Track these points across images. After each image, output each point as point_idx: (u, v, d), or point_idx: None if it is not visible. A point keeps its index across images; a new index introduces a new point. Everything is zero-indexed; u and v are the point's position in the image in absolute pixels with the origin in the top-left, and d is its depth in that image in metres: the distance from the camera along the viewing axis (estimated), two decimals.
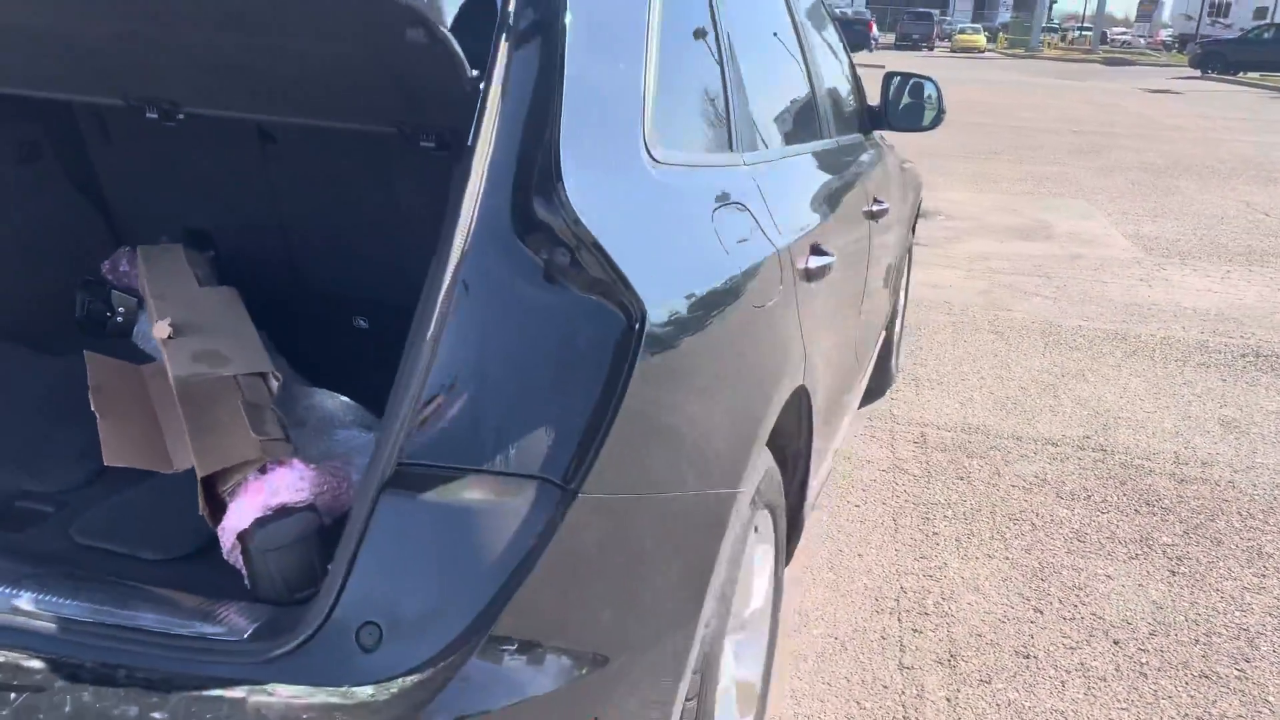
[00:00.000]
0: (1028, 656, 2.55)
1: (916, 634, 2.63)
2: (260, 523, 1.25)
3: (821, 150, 2.47)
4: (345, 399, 1.84)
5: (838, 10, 35.43)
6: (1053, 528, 3.22)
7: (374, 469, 1.16)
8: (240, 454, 1.38)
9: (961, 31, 46.92)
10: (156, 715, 1.09)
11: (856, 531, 3.13)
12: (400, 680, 1.11)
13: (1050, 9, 59.62)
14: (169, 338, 1.60)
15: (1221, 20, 50.18)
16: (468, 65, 1.30)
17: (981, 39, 46.29)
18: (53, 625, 1.16)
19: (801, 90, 2.48)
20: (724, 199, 1.61)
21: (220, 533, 1.32)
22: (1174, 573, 2.99)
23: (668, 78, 1.61)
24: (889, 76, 3.27)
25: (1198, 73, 31.95)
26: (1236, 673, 2.52)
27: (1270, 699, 2.43)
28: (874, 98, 3.41)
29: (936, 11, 51.37)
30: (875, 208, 2.78)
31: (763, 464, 1.76)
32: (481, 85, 1.26)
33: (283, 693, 1.12)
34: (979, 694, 2.40)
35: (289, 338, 2.08)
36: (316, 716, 1.09)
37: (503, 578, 1.14)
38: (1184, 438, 4.01)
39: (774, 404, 1.62)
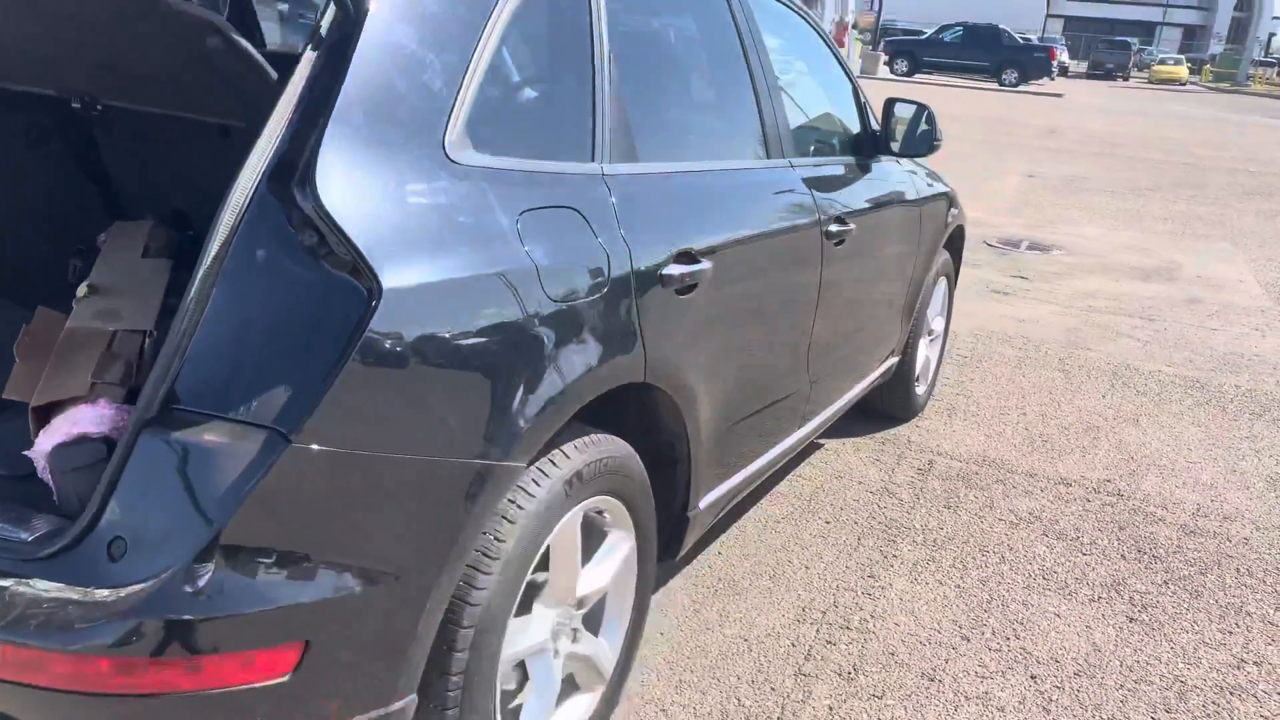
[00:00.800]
0: (933, 680, 2.57)
1: (829, 645, 2.68)
2: (60, 448, 1.50)
3: (758, 168, 2.57)
4: None
5: (1021, 36, 34.24)
6: (1022, 563, 3.18)
7: (139, 410, 1.38)
8: (69, 390, 1.64)
9: (1161, 62, 44.52)
10: None
11: (813, 546, 3.19)
12: (132, 587, 1.33)
13: (1269, 42, 55.74)
14: (84, 296, 1.88)
15: None
16: (269, 70, 1.52)
17: (1183, 70, 43.77)
18: None
19: (736, 109, 2.59)
20: (545, 203, 1.77)
21: (33, 454, 1.58)
22: (1132, 619, 2.92)
23: (506, 86, 1.79)
24: (890, 103, 3.31)
25: None
26: None
27: None
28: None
29: (1135, 40, 48.87)
30: (836, 229, 2.84)
31: (596, 451, 1.90)
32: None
33: (38, 586, 1.36)
34: (863, 707, 2.44)
35: None
36: (54, 608, 1.32)
37: (229, 509, 1.34)
38: (1217, 490, 3.85)
39: (578, 395, 1.76)
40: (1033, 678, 2.61)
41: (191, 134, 2.34)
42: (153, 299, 1.96)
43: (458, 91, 1.66)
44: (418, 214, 1.54)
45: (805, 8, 3.17)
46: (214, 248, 1.40)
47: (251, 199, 1.42)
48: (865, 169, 3.28)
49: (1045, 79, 32.69)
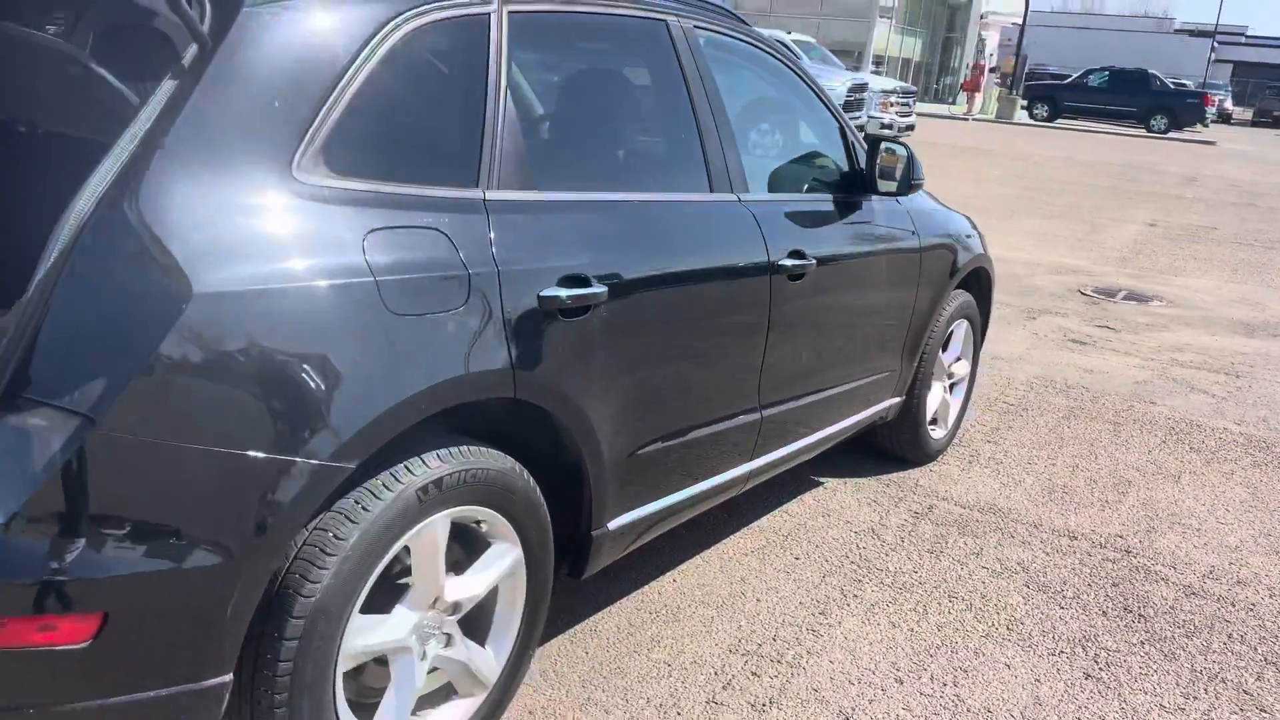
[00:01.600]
0: (847, 718, 2.53)
1: (752, 677, 2.68)
2: None
3: (691, 201, 2.63)
4: None
5: (1173, 81, 32.79)
6: (989, 612, 3.10)
7: None
8: None
9: None
10: None
11: (773, 580, 3.18)
12: None
13: None
14: None
15: None
16: (128, 94, 1.69)
17: None
18: None
19: (670, 144, 2.66)
20: (398, 224, 1.89)
21: None
22: (1088, 675, 2.80)
23: (374, 117, 1.92)
24: (872, 141, 3.32)
25: None
26: None
27: None
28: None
29: None
30: (793, 264, 2.87)
31: (460, 463, 2.00)
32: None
33: None
34: None
35: None
36: None
37: (36, 483, 1.49)
38: (1240, 553, 3.64)
39: (419, 405, 1.86)
40: None
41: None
42: None
43: (314, 119, 1.80)
44: (247, 227, 1.68)
45: (785, 49, 3.22)
46: (55, 251, 1.57)
47: (94, 207, 1.58)
48: (848, 206, 3.29)
49: (1199, 125, 31.20)
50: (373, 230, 1.85)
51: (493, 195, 2.09)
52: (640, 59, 2.71)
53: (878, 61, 33.11)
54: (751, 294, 2.74)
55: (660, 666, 2.69)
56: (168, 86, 1.69)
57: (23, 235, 1.60)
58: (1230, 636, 3.08)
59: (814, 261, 2.96)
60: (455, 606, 2.13)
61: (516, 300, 2.06)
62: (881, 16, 33.14)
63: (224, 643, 1.69)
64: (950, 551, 3.47)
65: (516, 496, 2.17)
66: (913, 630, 2.96)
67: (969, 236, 4.06)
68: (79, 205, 1.59)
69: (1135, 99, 30.73)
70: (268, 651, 1.78)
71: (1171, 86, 31.69)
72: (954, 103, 35.63)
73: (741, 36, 3.06)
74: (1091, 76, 32.09)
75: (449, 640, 2.14)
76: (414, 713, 2.16)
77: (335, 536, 1.82)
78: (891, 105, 15.84)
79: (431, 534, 2.00)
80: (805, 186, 3.27)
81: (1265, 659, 2.97)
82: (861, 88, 14.09)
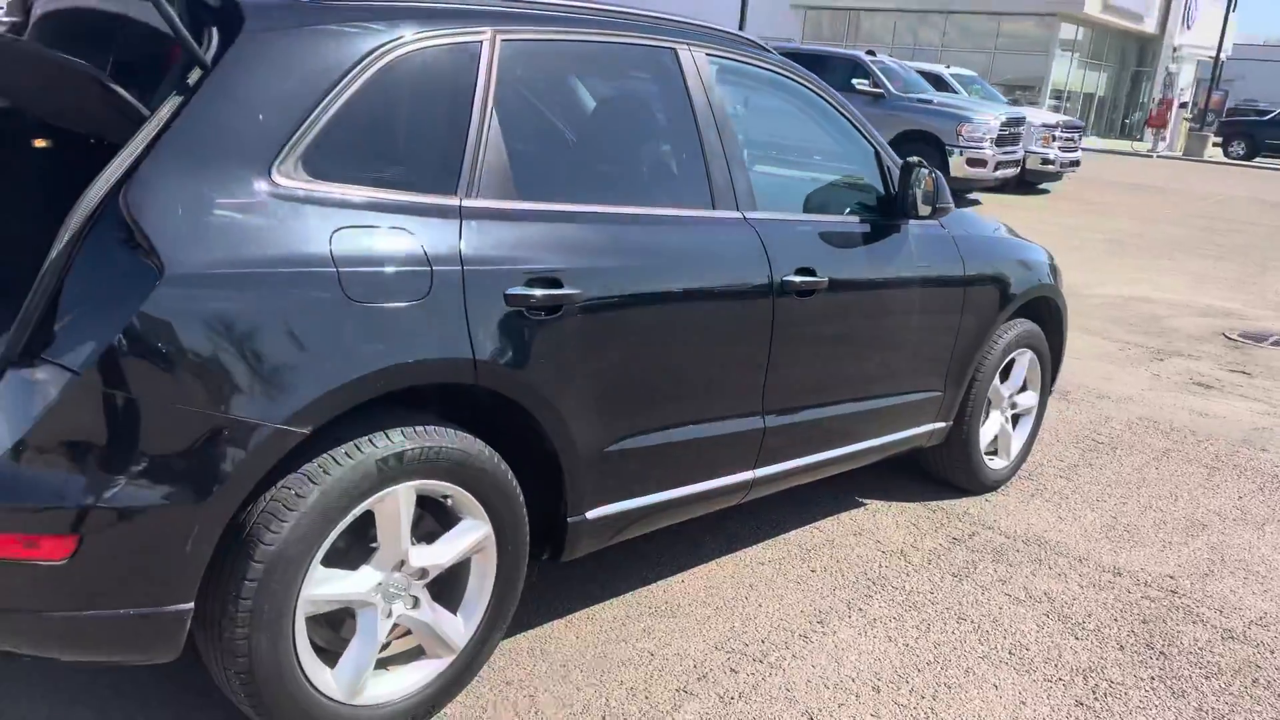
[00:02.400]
0: (811, 719, 2.61)
1: (730, 672, 2.78)
2: None
3: (686, 216, 2.79)
4: None
5: None
6: (995, 636, 3.08)
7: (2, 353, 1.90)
8: None
9: None
10: None
11: (781, 588, 3.26)
12: None
13: None
14: None
15: None
16: (140, 108, 2.02)
17: None
18: None
19: (668, 162, 2.84)
20: (367, 223, 2.15)
21: None
22: (1080, 703, 2.77)
23: (357, 129, 2.19)
24: (905, 166, 3.38)
25: None
26: None
27: None
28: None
29: None
30: (801, 280, 2.98)
31: (424, 440, 2.23)
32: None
33: None
34: None
35: None
36: None
37: (27, 422, 1.83)
38: None
39: (373, 382, 2.10)
40: None
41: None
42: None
43: (295, 131, 2.09)
44: (223, 221, 1.98)
45: (810, 77, 3.34)
46: (66, 235, 1.90)
47: (101, 201, 1.92)
48: (879, 228, 3.36)
49: None
50: (341, 228, 2.11)
51: (470, 203, 2.32)
52: (642, 82, 2.90)
53: (1057, 96, 31.95)
54: (747, 306, 2.86)
55: (643, 655, 2.83)
56: (172, 101, 2.01)
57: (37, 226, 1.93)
58: (1255, 681, 2.96)
59: (826, 280, 3.06)
60: (423, 572, 2.36)
61: (481, 296, 2.28)
62: (1063, 50, 31.98)
63: (184, 573, 1.97)
64: (976, 577, 3.46)
65: (485, 477, 2.38)
66: (908, 645, 2.99)
67: (1031, 265, 4.03)
68: (89, 197, 1.92)
69: None
70: (232, 590, 2.05)
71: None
72: (1140, 139, 33.90)
73: (766, 65, 3.20)
74: None
75: (416, 602, 2.37)
76: (386, 669, 2.40)
77: (297, 494, 2.08)
78: (1054, 140, 15.33)
79: (394, 501, 2.24)
80: (833, 208, 3.36)
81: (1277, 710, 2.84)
82: (1016, 121, 13.72)
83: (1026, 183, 16.14)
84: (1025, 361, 4.19)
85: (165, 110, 2.00)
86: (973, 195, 14.87)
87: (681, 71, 2.87)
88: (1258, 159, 28.87)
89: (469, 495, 2.37)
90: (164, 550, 1.94)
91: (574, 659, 2.79)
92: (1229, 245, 12.53)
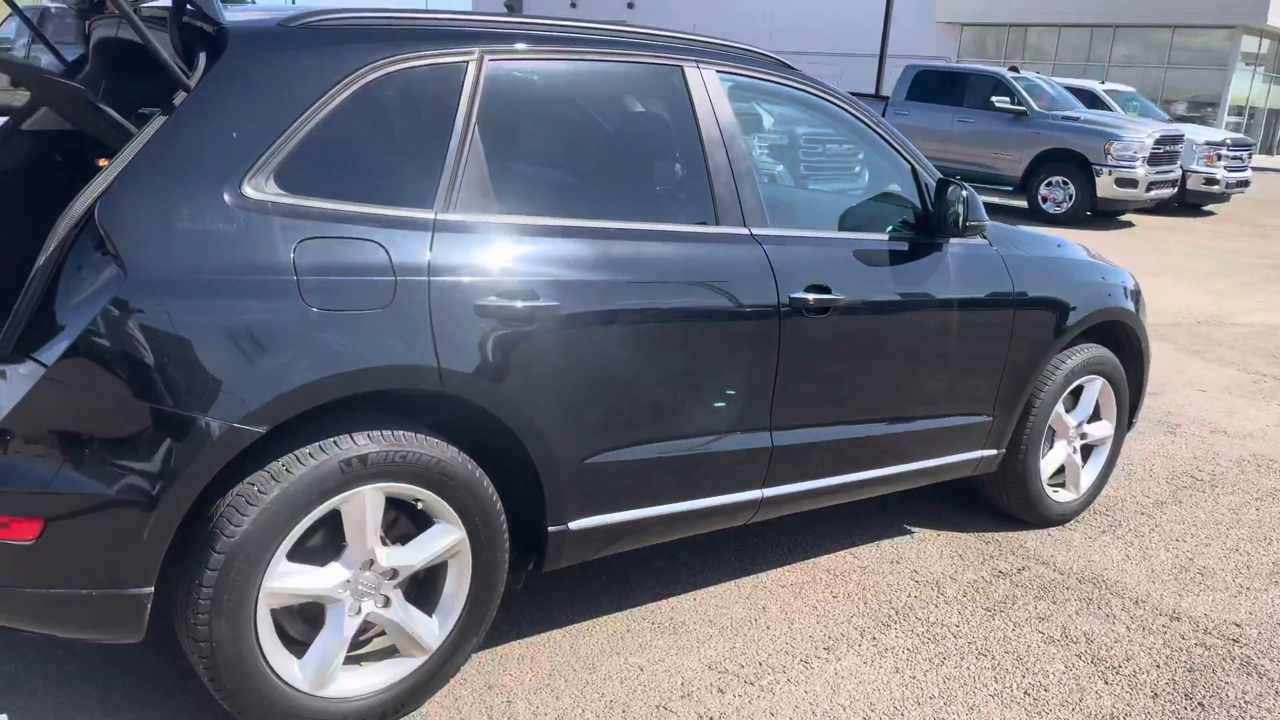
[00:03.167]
0: None
1: (716, 692, 2.75)
2: None
3: (682, 231, 2.79)
4: None
5: None
6: (1014, 674, 2.93)
7: None
8: None
9: None
10: None
11: (795, 612, 3.19)
12: None
13: None
14: None
15: None
16: (128, 125, 2.19)
17: None
18: None
19: (668, 178, 2.84)
20: (334, 234, 2.25)
21: None
22: None
23: (330, 146, 2.30)
24: (940, 183, 3.28)
25: None
26: None
27: None
28: None
29: None
30: (814, 297, 2.94)
31: (389, 445, 2.31)
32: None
33: None
34: None
35: None
36: None
37: (3, 413, 2.01)
38: None
39: (330, 386, 2.19)
40: None
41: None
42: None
43: (268, 147, 2.22)
44: (188, 230, 2.12)
45: (841, 95, 3.29)
46: (54, 243, 2.09)
47: (85, 211, 2.09)
48: (914, 246, 3.27)
49: None
50: (306, 238, 2.22)
51: (445, 216, 2.40)
52: (643, 101, 2.92)
53: (1237, 112, 29.90)
54: (746, 321, 2.83)
55: (633, 670, 2.83)
56: (157, 120, 2.17)
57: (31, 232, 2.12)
58: None
59: (841, 297, 2.99)
60: (393, 572, 2.44)
61: (449, 306, 2.35)
62: (1245, 64, 29.94)
63: (143, 559, 2.11)
64: (1012, 613, 3.30)
65: (458, 483, 2.44)
66: (914, 678, 2.88)
67: (1098, 287, 3.82)
68: (74, 208, 2.09)
69: None
70: (194, 578, 2.17)
71: None
72: None
73: (790, 83, 3.17)
74: None
75: (386, 602, 2.45)
76: (360, 664, 2.49)
77: (259, 491, 2.19)
78: (1219, 159, 14.38)
79: (360, 502, 2.33)
80: (865, 226, 3.29)
81: None
82: (1174, 139, 12.94)
83: (1189, 204, 15.21)
84: (1096, 389, 3.97)
85: (151, 128, 2.16)
86: (1125, 217, 14.14)
87: (688, 90, 2.87)
88: None
89: (440, 500, 2.44)
90: (122, 535, 2.08)
91: (561, 669, 2.81)
92: None
